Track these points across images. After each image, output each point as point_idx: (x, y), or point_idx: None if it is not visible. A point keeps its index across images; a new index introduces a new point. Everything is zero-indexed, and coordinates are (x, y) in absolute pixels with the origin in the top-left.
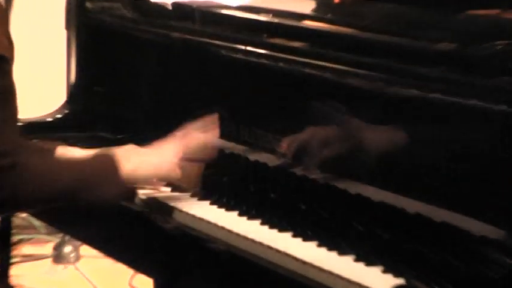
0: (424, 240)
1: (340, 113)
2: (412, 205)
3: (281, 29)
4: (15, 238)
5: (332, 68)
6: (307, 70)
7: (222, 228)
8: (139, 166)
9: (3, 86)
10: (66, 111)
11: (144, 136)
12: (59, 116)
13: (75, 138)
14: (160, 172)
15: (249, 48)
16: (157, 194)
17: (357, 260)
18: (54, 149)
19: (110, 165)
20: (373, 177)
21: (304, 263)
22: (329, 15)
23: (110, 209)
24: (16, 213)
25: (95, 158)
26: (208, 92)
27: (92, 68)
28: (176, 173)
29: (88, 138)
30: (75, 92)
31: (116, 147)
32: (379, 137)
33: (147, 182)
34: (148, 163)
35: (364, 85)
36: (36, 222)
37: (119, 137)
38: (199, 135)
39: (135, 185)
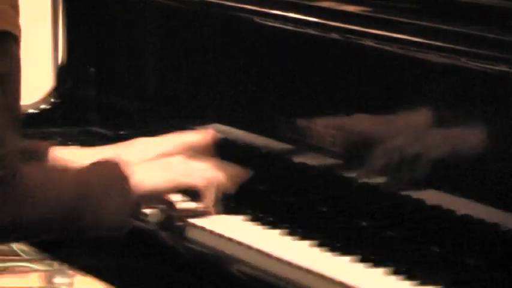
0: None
1: (414, 98)
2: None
3: None
4: None
5: (401, 39)
6: (367, 42)
7: (259, 251)
8: (154, 172)
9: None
10: (53, 101)
11: (150, 132)
12: (43, 106)
13: (65, 134)
14: (184, 178)
15: (290, 14)
16: (174, 208)
17: None
18: (46, 151)
19: (117, 174)
20: (456, 184)
21: None
22: None
23: (118, 229)
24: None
25: (99, 166)
26: (234, 73)
27: (85, 44)
28: (211, 175)
29: (80, 134)
30: (63, 76)
31: (122, 143)
32: (464, 133)
33: (163, 192)
34: (166, 166)
35: (442, 60)
36: (15, 246)
37: (119, 133)
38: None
39: (148, 199)
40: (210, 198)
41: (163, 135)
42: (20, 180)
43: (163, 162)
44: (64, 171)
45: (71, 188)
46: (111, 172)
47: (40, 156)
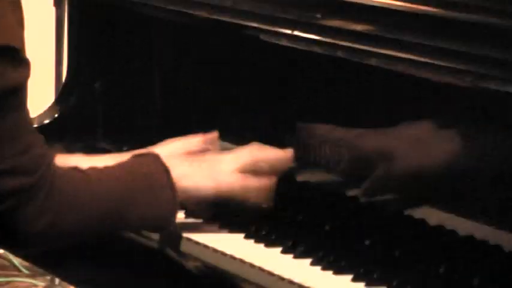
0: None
1: (421, 118)
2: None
3: (339, 6)
4: None
5: (407, 59)
6: (373, 62)
7: (261, 269)
8: (193, 174)
9: (17, 81)
10: (56, 115)
11: None
12: (46, 121)
13: (69, 149)
14: (221, 185)
15: (297, 32)
16: (175, 225)
17: None
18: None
19: (160, 170)
20: (466, 204)
21: None
22: None
23: (163, 227)
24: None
25: (138, 161)
26: (242, 89)
27: (90, 58)
28: (244, 186)
29: (85, 149)
30: (67, 90)
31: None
32: (472, 151)
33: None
34: (204, 172)
35: (451, 81)
36: (16, 261)
37: (123, 149)
38: (272, 153)
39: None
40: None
41: None
42: (60, 184)
43: (206, 161)
44: (105, 174)
45: (115, 192)
46: (153, 164)
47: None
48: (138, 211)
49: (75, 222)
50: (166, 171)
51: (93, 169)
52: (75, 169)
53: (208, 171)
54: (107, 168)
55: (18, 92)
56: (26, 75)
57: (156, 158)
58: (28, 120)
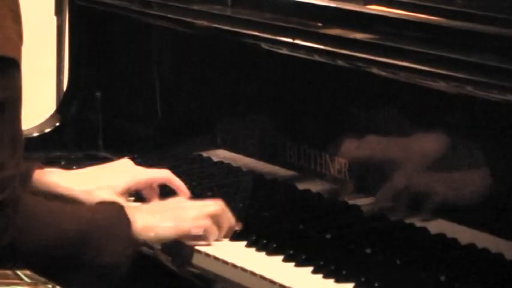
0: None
1: (421, 127)
2: None
3: (340, 15)
4: None
5: (408, 67)
6: (374, 70)
7: (262, 277)
8: (155, 225)
9: (6, 95)
10: (57, 124)
11: (158, 157)
12: (47, 129)
13: (70, 158)
14: (182, 228)
15: (298, 41)
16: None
17: None
18: (30, 172)
19: (122, 217)
20: (462, 213)
21: None
22: None
23: (116, 270)
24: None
25: (104, 205)
26: (243, 98)
27: (91, 67)
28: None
29: (86, 158)
30: (68, 99)
31: (106, 165)
32: (470, 159)
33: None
34: (166, 221)
35: (450, 90)
36: (18, 270)
37: (124, 157)
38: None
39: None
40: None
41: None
42: (21, 206)
43: (169, 210)
44: (67, 207)
45: (74, 225)
46: (116, 215)
47: (24, 177)
48: (94, 252)
49: (31, 245)
50: (127, 223)
51: (58, 203)
52: (39, 196)
53: (171, 220)
54: (72, 207)
55: (3, 108)
56: (17, 89)
57: (120, 208)
58: (7, 141)
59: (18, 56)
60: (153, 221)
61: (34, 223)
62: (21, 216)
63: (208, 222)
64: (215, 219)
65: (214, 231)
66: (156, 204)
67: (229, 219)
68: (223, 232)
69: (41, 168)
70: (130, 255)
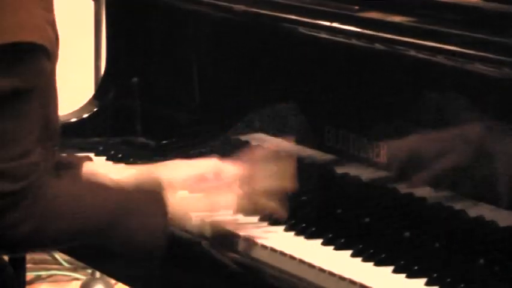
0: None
1: (463, 110)
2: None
3: None
4: (29, 275)
5: (446, 49)
6: (412, 53)
7: (301, 261)
8: (189, 201)
9: (22, 84)
10: (95, 109)
11: (195, 142)
12: (85, 115)
13: (108, 143)
14: (216, 206)
15: (335, 24)
16: (216, 219)
17: None
18: (80, 165)
19: (154, 198)
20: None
21: None
22: None
23: (150, 253)
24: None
25: (135, 184)
26: (281, 83)
27: (128, 52)
28: (241, 206)
29: (123, 143)
30: (105, 84)
31: (158, 164)
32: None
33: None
34: (200, 197)
35: (491, 73)
36: (57, 255)
37: (162, 142)
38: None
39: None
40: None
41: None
42: (47, 192)
43: (204, 194)
44: (107, 185)
45: (110, 204)
46: (153, 193)
47: (73, 169)
48: (123, 239)
49: (57, 231)
50: (164, 215)
51: (90, 183)
52: (72, 181)
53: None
54: (103, 184)
55: (29, 96)
56: (45, 77)
57: (158, 198)
58: (33, 128)
59: (46, 43)
60: (186, 199)
61: (58, 211)
62: (49, 204)
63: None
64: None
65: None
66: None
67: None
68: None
69: (90, 160)
70: (167, 232)
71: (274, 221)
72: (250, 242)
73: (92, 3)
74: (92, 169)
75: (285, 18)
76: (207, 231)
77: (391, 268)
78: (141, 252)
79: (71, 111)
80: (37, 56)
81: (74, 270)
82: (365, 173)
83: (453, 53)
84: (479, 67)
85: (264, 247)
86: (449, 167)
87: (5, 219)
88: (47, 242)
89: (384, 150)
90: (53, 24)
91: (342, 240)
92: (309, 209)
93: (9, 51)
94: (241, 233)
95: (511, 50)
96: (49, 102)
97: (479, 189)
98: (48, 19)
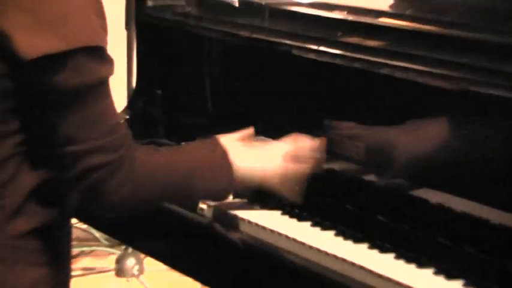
0: (509, 254)
1: (423, 116)
2: (496, 216)
3: (357, 26)
4: (75, 250)
5: (413, 69)
6: (384, 71)
7: (294, 239)
8: (246, 157)
9: (103, 75)
10: (127, 117)
11: None
12: (120, 121)
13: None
14: (267, 173)
15: (321, 48)
16: (223, 203)
17: (437, 273)
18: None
19: (222, 155)
20: (457, 185)
21: (381, 276)
22: (409, 11)
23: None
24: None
25: (205, 146)
26: (278, 94)
27: (154, 70)
28: (284, 174)
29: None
30: (136, 96)
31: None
32: (466, 144)
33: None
34: (256, 159)
35: (449, 87)
36: (97, 234)
37: (182, 143)
38: (310, 142)
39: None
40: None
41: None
42: (139, 159)
43: (259, 155)
44: (176, 152)
45: (183, 167)
46: (215, 149)
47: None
48: (202, 184)
49: (152, 191)
50: (225, 153)
51: (167, 149)
52: (153, 148)
53: (258, 155)
54: (178, 149)
55: (104, 84)
56: (111, 70)
57: (217, 142)
58: (113, 107)
59: (103, 44)
60: (244, 153)
61: (150, 174)
62: (142, 169)
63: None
64: (293, 154)
65: (291, 171)
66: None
67: (305, 148)
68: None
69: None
70: (231, 180)
71: (272, 206)
72: (253, 224)
73: (125, 31)
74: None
75: (280, 42)
76: (216, 214)
77: (367, 245)
78: (214, 197)
79: None
80: (103, 54)
81: (111, 246)
82: (346, 168)
83: (418, 71)
84: (438, 82)
85: (264, 228)
86: (415, 162)
87: (107, 186)
88: (142, 203)
89: (362, 150)
90: (105, 29)
91: (327, 222)
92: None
93: (84, 52)
94: (245, 216)
95: (463, 67)
96: (107, 89)
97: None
98: (102, 25)
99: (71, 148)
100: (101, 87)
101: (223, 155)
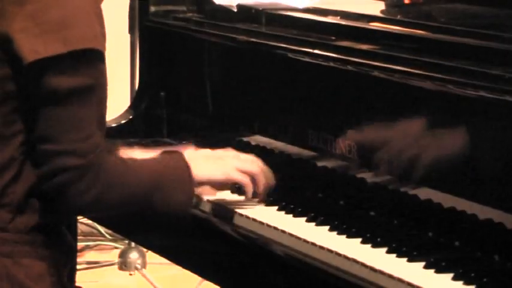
0: (495, 248)
1: (411, 116)
2: (484, 211)
3: (349, 31)
4: (80, 244)
5: (402, 70)
6: (376, 73)
7: (290, 234)
8: (203, 168)
9: (97, 82)
10: (131, 117)
11: (208, 142)
12: (123, 121)
13: (141, 144)
14: (225, 166)
15: (316, 51)
16: (222, 200)
17: (427, 267)
18: (118, 149)
19: (183, 166)
20: (444, 182)
21: (373, 270)
22: (399, 16)
23: (179, 217)
24: (83, 218)
25: (166, 157)
26: (275, 96)
27: (156, 73)
28: (232, 176)
29: (153, 143)
30: (139, 97)
31: (176, 147)
32: (451, 142)
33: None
34: (210, 165)
35: (435, 88)
36: (101, 229)
37: (183, 142)
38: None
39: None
40: (261, 185)
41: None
42: (105, 168)
43: (218, 156)
44: (140, 164)
45: (146, 178)
46: (179, 161)
47: (115, 151)
48: (162, 196)
49: (114, 198)
50: (187, 167)
51: (133, 160)
52: (120, 159)
53: (220, 165)
54: (144, 162)
55: (95, 90)
56: (103, 77)
57: (180, 156)
58: (99, 115)
59: (104, 50)
60: (206, 166)
61: (115, 182)
62: (107, 177)
63: (246, 178)
64: (254, 176)
65: (250, 185)
66: (207, 152)
67: (266, 177)
68: (260, 188)
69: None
70: (192, 196)
71: (269, 202)
72: (250, 219)
73: (128, 35)
74: (126, 152)
75: (277, 46)
76: (215, 210)
77: (360, 240)
78: (173, 217)
79: (111, 118)
80: (100, 59)
81: (114, 241)
82: (339, 166)
83: (406, 73)
84: (425, 83)
85: (261, 223)
86: (404, 159)
87: (73, 189)
88: (103, 209)
89: (354, 148)
90: (104, 35)
91: (321, 218)
92: (296, 193)
93: (81, 55)
94: (243, 211)
95: (451, 70)
96: (103, 99)
97: (429, 176)
98: (101, 32)
99: (46, 146)
100: (91, 92)
101: (185, 168)
